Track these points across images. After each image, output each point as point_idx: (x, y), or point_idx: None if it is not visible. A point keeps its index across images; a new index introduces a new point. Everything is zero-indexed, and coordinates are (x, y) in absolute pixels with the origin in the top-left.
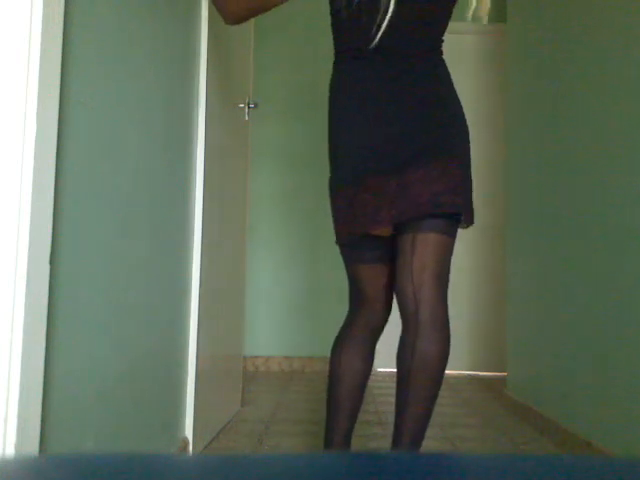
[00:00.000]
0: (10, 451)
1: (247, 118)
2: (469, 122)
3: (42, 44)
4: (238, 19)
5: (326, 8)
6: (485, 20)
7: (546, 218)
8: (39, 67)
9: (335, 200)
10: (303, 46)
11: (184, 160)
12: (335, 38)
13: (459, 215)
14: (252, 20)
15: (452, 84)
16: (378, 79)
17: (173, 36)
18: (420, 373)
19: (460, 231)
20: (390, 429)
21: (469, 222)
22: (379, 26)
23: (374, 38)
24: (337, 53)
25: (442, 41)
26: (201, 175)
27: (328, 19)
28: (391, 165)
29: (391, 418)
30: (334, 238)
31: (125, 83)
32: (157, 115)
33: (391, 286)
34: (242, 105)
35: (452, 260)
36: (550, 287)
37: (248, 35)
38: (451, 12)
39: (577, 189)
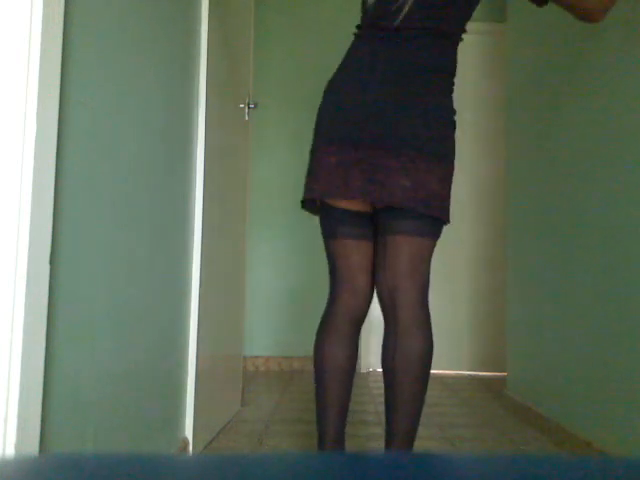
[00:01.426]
0: (10, 451)
1: (247, 118)
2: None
3: (42, 44)
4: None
5: (326, 8)
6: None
7: (546, 219)
8: (39, 67)
9: (312, 160)
10: (303, 46)
11: (184, 160)
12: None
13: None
14: (252, 20)
15: (448, 79)
16: (371, 54)
17: (173, 36)
18: (403, 373)
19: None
20: None
21: (443, 222)
22: (399, 7)
23: (390, 16)
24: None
25: (460, 29)
26: (201, 175)
27: (328, 19)
28: (360, 138)
29: None
30: (323, 233)
31: (125, 83)
32: (157, 115)
33: (368, 267)
34: (242, 105)
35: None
36: (550, 287)
37: (248, 35)
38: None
39: (577, 188)
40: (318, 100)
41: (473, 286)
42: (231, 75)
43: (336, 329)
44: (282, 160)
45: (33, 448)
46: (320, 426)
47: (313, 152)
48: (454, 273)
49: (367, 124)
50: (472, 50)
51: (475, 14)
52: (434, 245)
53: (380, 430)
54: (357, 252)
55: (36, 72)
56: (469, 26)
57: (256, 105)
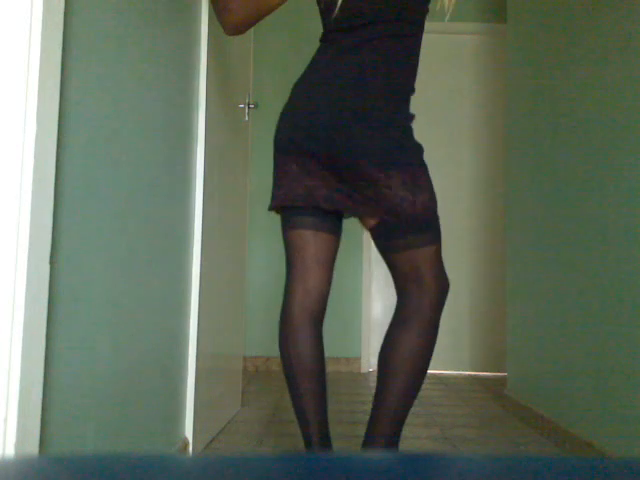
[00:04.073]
0: (10, 451)
1: (247, 118)
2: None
3: (42, 44)
4: (239, 28)
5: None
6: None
7: (546, 219)
8: (39, 67)
9: (276, 166)
10: (303, 46)
11: (184, 160)
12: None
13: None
14: None
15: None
16: (334, 53)
17: (173, 36)
18: (400, 365)
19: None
20: (406, 430)
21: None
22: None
23: (333, 15)
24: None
25: (413, 11)
26: (201, 175)
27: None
28: (317, 144)
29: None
30: (283, 225)
31: (125, 83)
32: (157, 115)
33: (326, 261)
34: (242, 105)
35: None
36: (550, 287)
37: (248, 35)
38: None
39: (577, 188)
40: None
41: (473, 286)
42: (231, 75)
43: (295, 328)
44: None
45: (33, 448)
46: (302, 428)
47: (276, 157)
48: (454, 273)
49: (321, 133)
50: (472, 50)
51: (475, 14)
52: (430, 250)
53: None
54: (314, 244)
55: (36, 72)
56: (469, 26)
57: (256, 105)
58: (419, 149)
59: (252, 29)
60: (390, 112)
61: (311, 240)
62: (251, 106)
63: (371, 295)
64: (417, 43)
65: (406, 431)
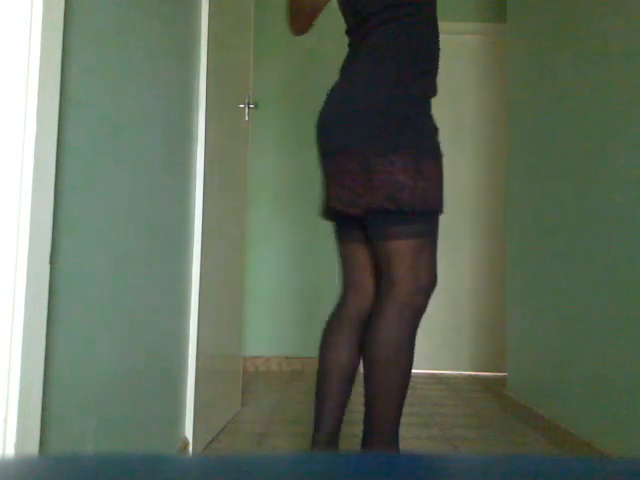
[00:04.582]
0: (10, 451)
1: (247, 118)
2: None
3: (42, 44)
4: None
5: (327, 8)
6: None
7: (547, 220)
8: (39, 67)
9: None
10: (303, 46)
11: (184, 160)
12: None
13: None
14: (252, 20)
15: (385, 55)
16: (346, 56)
17: (173, 36)
18: (371, 357)
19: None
20: (406, 430)
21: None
22: None
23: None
24: None
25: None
26: (201, 175)
27: (328, 19)
28: (329, 146)
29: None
30: (334, 237)
31: (125, 83)
32: (157, 115)
33: (370, 269)
34: (242, 105)
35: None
36: (550, 288)
37: (248, 35)
38: None
39: (577, 187)
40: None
41: (473, 286)
42: (231, 75)
43: (341, 330)
44: (282, 160)
45: (33, 448)
46: (316, 421)
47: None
48: (454, 273)
49: (325, 132)
50: (472, 50)
51: (475, 14)
52: (422, 242)
53: None
54: (361, 254)
55: (36, 72)
56: (469, 26)
57: (256, 105)
58: (423, 134)
59: (252, 30)
60: (386, 98)
61: (358, 251)
62: (251, 106)
63: None
64: (407, 27)
65: (406, 431)
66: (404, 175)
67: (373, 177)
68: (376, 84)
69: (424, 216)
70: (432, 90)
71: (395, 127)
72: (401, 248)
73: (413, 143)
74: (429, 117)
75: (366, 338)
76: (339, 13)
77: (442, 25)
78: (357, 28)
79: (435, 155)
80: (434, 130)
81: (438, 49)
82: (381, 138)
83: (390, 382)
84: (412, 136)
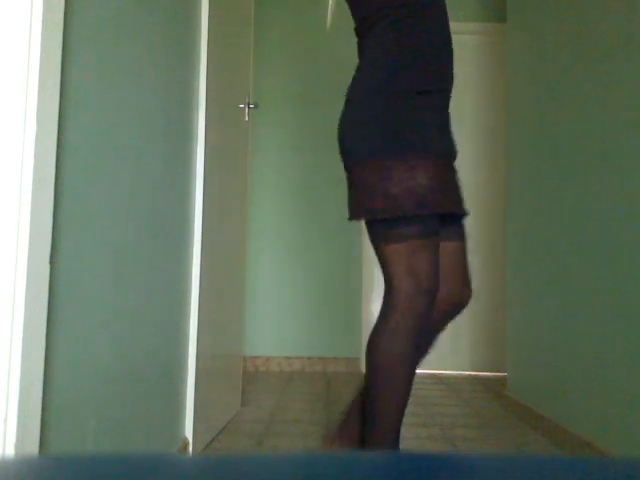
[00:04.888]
0: (10, 451)
1: (247, 118)
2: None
3: (42, 44)
4: None
5: (325, 9)
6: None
7: (547, 220)
8: (39, 67)
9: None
10: (303, 46)
11: (184, 160)
12: None
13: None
14: (252, 20)
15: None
16: None
17: (173, 36)
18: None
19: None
20: (406, 430)
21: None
22: None
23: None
24: None
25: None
26: (201, 175)
27: (328, 19)
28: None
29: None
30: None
31: (125, 83)
32: (157, 115)
33: (445, 266)
34: (242, 105)
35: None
36: (550, 287)
37: (248, 35)
38: None
39: (577, 189)
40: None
41: (473, 287)
42: (231, 75)
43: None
44: (282, 160)
45: (33, 448)
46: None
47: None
48: None
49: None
50: (472, 50)
51: (475, 14)
52: (392, 249)
53: None
54: (445, 252)
55: (36, 72)
56: (469, 26)
57: (256, 105)
58: (394, 133)
59: (252, 30)
60: (375, 106)
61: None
62: (251, 106)
63: (371, 295)
64: (370, 39)
65: (406, 431)
66: (375, 183)
67: (351, 188)
68: (360, 89)
69: (411, 219)
70: (425, 83)
71: (366, 132)
72: (391, 251)
73: (381, 146)
74: (411, 110)
75: (369, 340)
76: (339, 13)
77: None
78: (357, 29)
79: (406, 155)
80: (414, 125)
81: (440, 42)
82: (355, 146)
83: (392, 383)
84: (380, 140)
